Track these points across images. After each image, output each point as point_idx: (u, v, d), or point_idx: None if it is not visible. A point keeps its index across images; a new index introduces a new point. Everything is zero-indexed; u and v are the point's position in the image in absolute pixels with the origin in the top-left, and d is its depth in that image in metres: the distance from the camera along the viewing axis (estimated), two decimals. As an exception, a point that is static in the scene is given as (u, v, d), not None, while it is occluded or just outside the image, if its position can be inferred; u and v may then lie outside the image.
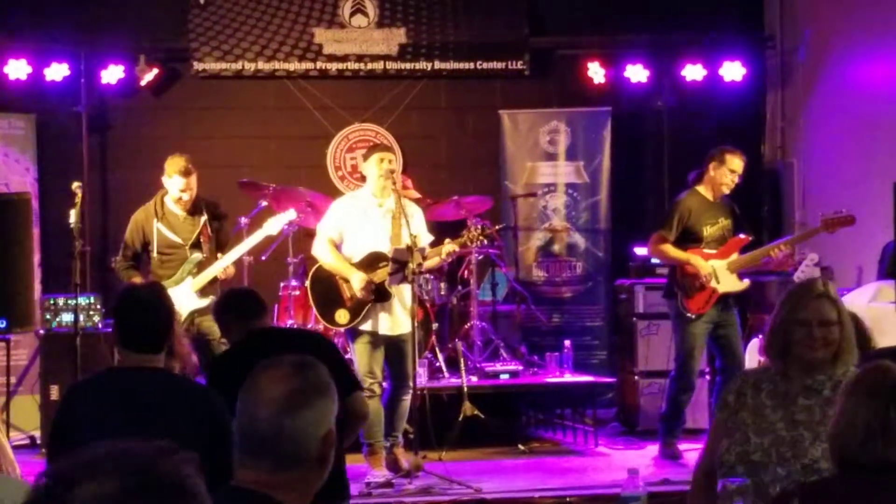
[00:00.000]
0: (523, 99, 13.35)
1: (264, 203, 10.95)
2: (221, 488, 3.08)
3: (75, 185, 9.64)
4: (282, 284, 11.14)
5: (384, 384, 9.59)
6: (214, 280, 9.59)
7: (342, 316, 9.42)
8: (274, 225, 10.00)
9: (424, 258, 9.29)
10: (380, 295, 9.39)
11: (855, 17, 12.39)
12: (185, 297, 9.38)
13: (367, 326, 9.39)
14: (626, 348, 11.95)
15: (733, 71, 13.36)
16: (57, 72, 12.41)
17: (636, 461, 9.81)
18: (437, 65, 13.11)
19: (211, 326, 9.30)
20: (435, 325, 11.03)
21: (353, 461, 8.11)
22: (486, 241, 10.36)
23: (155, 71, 12.63)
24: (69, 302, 10.70)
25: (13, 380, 11.11)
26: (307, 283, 9.82)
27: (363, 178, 10.09)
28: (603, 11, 13.56)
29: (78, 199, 9.56)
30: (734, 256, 10.02)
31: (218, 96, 13.04)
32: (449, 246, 9.53)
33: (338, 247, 9.57)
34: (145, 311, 5.09)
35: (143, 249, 9.68)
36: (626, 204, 13.23)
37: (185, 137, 12.63)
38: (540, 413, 11.93)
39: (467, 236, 9.76)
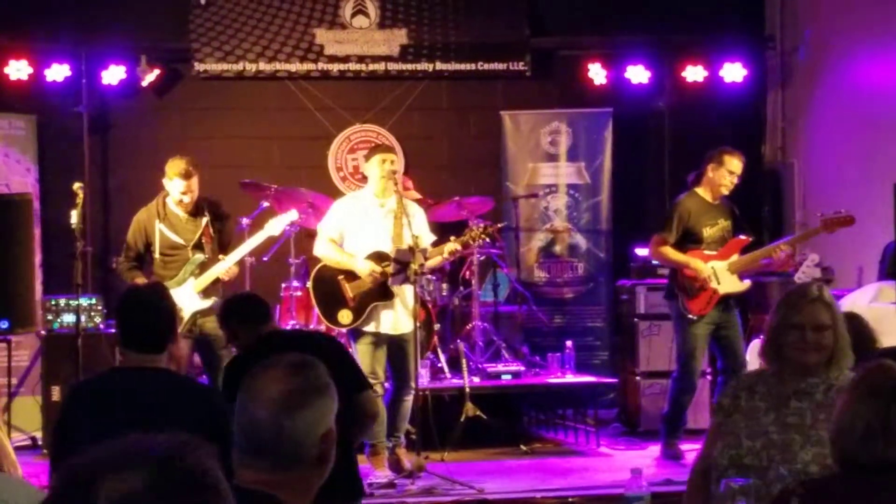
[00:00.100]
0: (524, 100, 13.35)
1: (266, 204, 10.95)
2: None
3: (76, 185, 9.64)
4: (283, 285, 11.14)
5: (386, 385, 9.59)
6: (216, 281, 9.57)
7: (345, 316, 9.42)
8: (276, 226, 9.99)
9: (426, 259, 9.29)
10: (383, 294, 9.39)
11: (855, 17, 12.38)
12: (188, 297, 9.37)
13: (369, 327, 9.40)
14: (627, 349, 11.95)
15: (734, 72, 13.37)
16: (58, 72, 12.41)
17: (638, 461, 9.78)
18: (439, 66, 13.11)
19: (213, 327, 9.29)
20: (437, 326, 11.03)
21: (355, 462, 8.11)
22: (487, 240, 10.35)
23: (156, 71, 12.63)
24: (70, 303, 10.71)
25: (14, 381, 11.12)
26: (309, 284, 9.81)
27: (364, 179, 10.10)
28: (604, 12, 13.56)
29: (79, 200, 9.56)
30: (735, 257, 10.02)
31: (219, 97, 13.04)
32: (451, 245, 9.52)
33: (339, 247, 9.57)
34: (147, 311, 5.10)
35: (146, 250, 9.65)
36: (627, 204, 13.23)
37: (186, 138, 12.64)
38: (542, 413, 11.93)
39: (469, 235, 9.75)
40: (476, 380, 10.80)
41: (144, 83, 12.60)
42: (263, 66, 12.90)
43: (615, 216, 13.09)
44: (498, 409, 10.89)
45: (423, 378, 10.19)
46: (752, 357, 9.88)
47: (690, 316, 9.94)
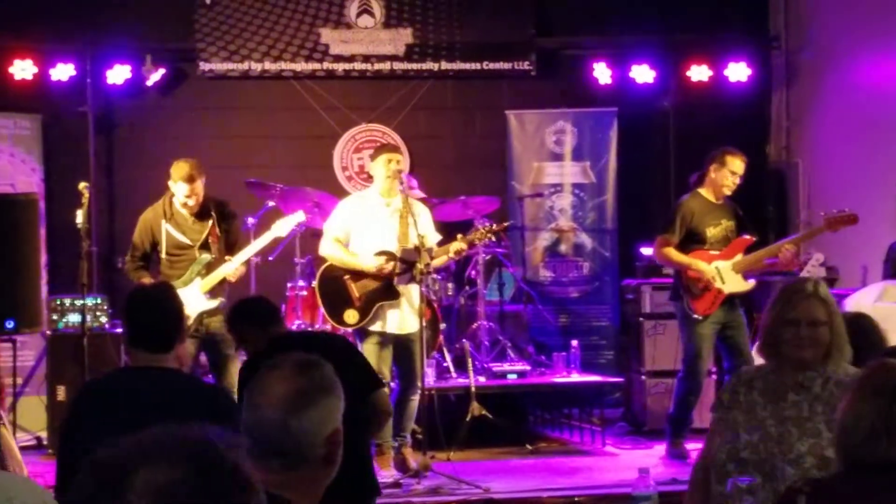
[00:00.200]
0: (530, 99, 13.35)
1: (271, 203, 10.95)
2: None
3: (82, 185, 9.63)
4: (289, 285, 11.13)
5: (392, 384, 9.59)
6: (223, 281, 9.57)
7: (351, 316, 9.43)
8: (283, 227, 9.97)
9: (432, 258, 9.29)
10: (388, 294, 9.40)
11: (860, 16, 12.37)
12: (194, 297, 9.36)
13: (375, 326, 9.41)
14: (633, 348, 11.95)
15: (739, 71, 13.37)
16: (63, 72, 12.41)
17: (644, 461, 9.78)
18: (444, 65, 13.11)
19: (219, 327, 9.31)
20: (442, 325, 11.02)
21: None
22: (493, 239, 10.35)
23: (161, 71, 12.62)
24: (76, 302, 10.71)
25: (20, 380, 11.11)
26: (315, 284, 9.83)
27: (370, 179, 10.11)
28: (609, 12, 13.56)
29: (85, 200, 9.56)
30: (739, 257, 10.02)
31: (224, 96, 13.04)
32: (457, 244, 9.52)
33: (345, 247, 9.58)
34: (154, 309, 5.10)
35: (152, 250, 9.64)
36: (632, 204, 13.23)
37: (191, 137, 12.64)
38: (547, 413, 11.94)
39: (475, 235, 9.75)
40: (482, 379, 10.79)
41: (149, 83, 12.60)
42: (269, 65, 12.90)
43: (620, 215, 13.09)
44: (503, 409, 10.90)
45: (429, 377, 10.19)
46: (758, 356, 9.87)
47: (696, 316, 9.94)
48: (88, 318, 10.23)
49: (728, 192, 10.10)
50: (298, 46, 12.92)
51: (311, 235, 10.90)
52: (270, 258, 10.87)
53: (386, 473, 9.18)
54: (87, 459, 1.98)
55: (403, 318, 9.46)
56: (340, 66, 13.02)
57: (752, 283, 10.06)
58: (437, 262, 9.58)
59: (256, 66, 12.88)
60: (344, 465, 3.32)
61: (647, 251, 11.79)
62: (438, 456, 9.72)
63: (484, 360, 11.12)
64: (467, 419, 10.24)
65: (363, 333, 9.43)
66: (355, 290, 9.43)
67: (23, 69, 12.33)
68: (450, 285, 11.41)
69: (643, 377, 11.54)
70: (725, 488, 4.64)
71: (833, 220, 9.80)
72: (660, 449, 10.42)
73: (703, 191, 10.16)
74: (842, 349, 4.81)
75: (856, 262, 11.67)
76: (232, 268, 9.54)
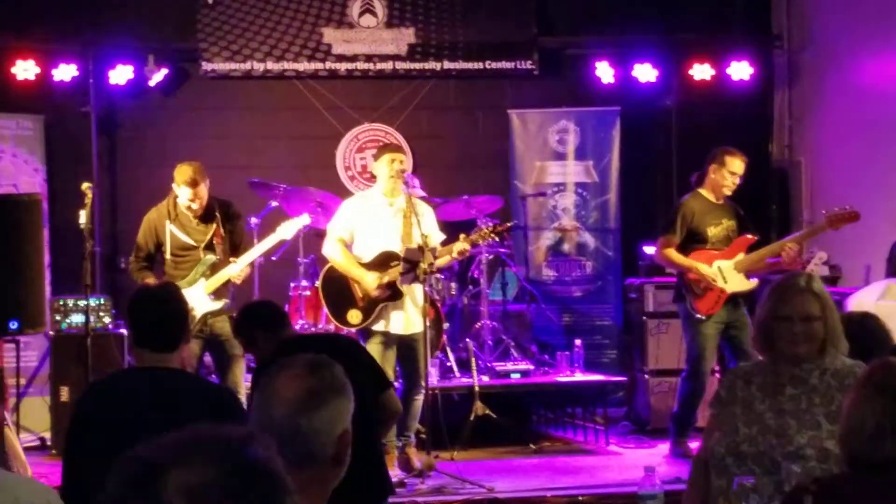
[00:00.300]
0: (532, 98, 13.35)
1: (274, 203, 10.96)
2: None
3: (85, 185, 9.61)
4: (292, 284, 11.14)
5: (396, 384, 9.60)
6: (227, 282, 9.55)
7: (354, 316, 9.43)
8: (288, 229, 9.93)
9: (436, 258, 9.29)
10: (392, 294, 9.40)
11: (862, 15, 12.37)
12: (199, 298, 9.34)
13: (379, 326, 9.41)
14: (636, 347, 11.95)
15: (741, 70, 13.37)
16: (65, 72, 12.40)
17: (647, 460, 9.75)
18: (447, 65, 13.10)
19: (224, 327, 9.31)
20: (446, 325, 11.02)
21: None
22: (496, 238, 10.35)
23: (164, 71, 12.61)
24: (79, 303, 10.70)
25: (23, 381, 11.11)
26: (318, 284, 9.83)
27: (373, 178, 10.10)
28: (611, 11, 13.56)
29: (88, 200, 9.54)
30: (740, 256, 10.02)
31: (227, 96, 13.04)
32: (460, 244, 9.49)
33: (348, 247, 9.58)
34: (159, 308, 5.09)
35: (157, 250, 9.63)
36: (635, 203, 13.23)
37: (194, 137, 12.64)
38: (550, 412, 11.94)
39: (478, 234, 9.74)
40: (485, 379, 10.81)
41: (152, 83, 12.60)
42: (271, 65, 12.89)
43: (623, 214, 13.09)
44: (507, 408, 10.90)
45: (433, 377, 10.20)
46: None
47: (699, 316, 9.94)
48: (91, 318, 10.22)
49: (728, 192, 10.10)
50: (301, 46, 12.92)
51: (314, 235, 10.91)
52: (274, 258, 10.86)
53: (390, 473, 9.18)
54: (120, 459, 1.98)
55: (407, 318, 9.45)
56: (343, 66, 13.01)
57: (754, 282, 10.05)
58: (440, 263, 9.57)
59: (259, 66, 12.88)
60: (357, 464, 3.32)
61: (649, 250, 11.79)
62: (442, 455, 9.72)
63: (487, 359, 11.13)
64: (471, 419, 10.25)
65: (367, 333, 9.42)
66: (358, 290, 9.43)
67: (25, 70, 12.32)
68: (453, 285, 11.42)
69: (646, 376, 11.54)
70: (725, 483, 4.65)
71: (834, 218, 9.80)
72: (663, 448, 10.42)
73: (703, 191, 10.16)
74: (837, 343, 4.79)
75: (858, 261, 11.67)
76: (237, 269, 9.53)
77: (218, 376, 9.52)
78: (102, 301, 10.96)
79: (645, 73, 13.21)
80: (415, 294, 9.46)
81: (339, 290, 9.54)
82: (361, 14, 12.96)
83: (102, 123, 12.75)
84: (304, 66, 12.93)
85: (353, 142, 13.14)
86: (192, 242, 9.54)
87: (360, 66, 13.02)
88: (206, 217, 9.58)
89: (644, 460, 9.56)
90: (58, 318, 10.88)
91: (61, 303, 10.93)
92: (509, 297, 11.91)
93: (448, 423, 10.09)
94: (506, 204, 12.35)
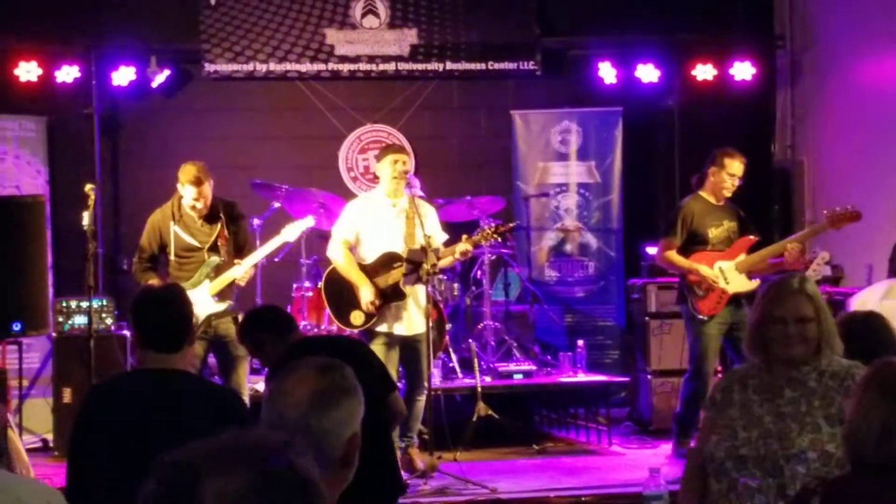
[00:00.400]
0: (535, 99, 13.35)
1: (277, 204, 10.96)
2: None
3: (88, 186, 9.60)
4: (295, 286, 11.15)
5: (399, 385, 9.60)
6: (231, 284, 9.55)
7: (357, 317, 9.43)
8: (292, 232, 9.92)
9: (439, 258, 9.29)
10: (395, 295, 9.40)
11: (864, 15, 12.38)
12: (203, 300, 9.32)
13: (382, 328, 9.41)
14: (638, 347, 11.94)
15: (743, 70, 13.37)
16: (68, 74, 12.40)
17: (650, 460, 9.79)
18: (449, 65, 13.09)
19: (228, 328, 9.31)
20: (448, 326, 11.02)
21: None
22: (499, 239, 10.34)
23: (166, 72, 12.61)
24: (82, 304, 10.70)
25: (26, 382, 11.12)
26: (321, 285, 9.83)
27: (375, 179, 10.11)
28: (613, 11, 13.55)
29: (91, 202, 9.53)
30: (742, 257, 10.02)
31: (229, 97, 13.03)
32: (463, 245, 9.48)
33: (353, 248, 9.58)
34: (163, 309, 5.09)
35: (160, 252, 9.62)
36: (637, 203, 13.24)
37: (196, 139, 12.64)
38: (553, 413, 11.93)
39: (481, 235, 9.74)
40: (488, 379, 10.81)
41: (154, 84, 12.60)
42: (274, 66, 12.89)
43: (626, 215, 13.09)
44: (510, 409, 10.92)
45: (435, 378, 10.21)
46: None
47: (701, 317, 9.94)
48: (94, 320, 10.22)
49: (728, 193, 10.10)
50: (303, 47, 12.91)
51: (316, 237, 10.92)
52: (276, 259, 10.86)
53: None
54: (156, 464, 1.98)
55: (410, 318, 9.46)
56: (345, 67, 13.01)
57: (756, 282, 10.03)
58: (442, 263, 9.56)
59: (261, 67, 12.87)
60: (370, 464, 3.32)
61: (652, 250, 11.78)
62: (445, 456, 9.73)
63: (490, 360, 11.13)
64: (473, 419, 10.25)
65: (370, 335, 9.42)
66: (361, 291, 9.45)
67: (28, 71, 12.32)
68: (455, 286, 11.41)
69: (649, 376, 11.55)
70: (724, 486, 4.64)
71: (836, 217, 9.79)
72: (666, 448, 10.43)
73: (703, 193, 10.16)
74: (832, 344, 4.79)
75: (861, 261, 11.66)
76: (241, 271, 9.52)
77: (221, 378, 9.51)
78: (105, 302, 10.97)
79: (647, 73, 13.21)
80: (418, 295, 9.47)
81: (341, 292, 9.54)
82: (364, 15, 12.96)
83: (105, 125, 12.75)
84: (306, 67, 12.92)
85: (355, 143, 13.14)
86: (196, 244, 9.53)
87: (363, 66, 13.01)
88: (210, 218, 9.57)
89: (647, 461, 9.60)
90: (60, 319, 10.88)
91: (64, 304, 10.93)
92: (512, 297, 11.91)
93: (451, 423, 10.10)
94: (508, 204, 12.36)
